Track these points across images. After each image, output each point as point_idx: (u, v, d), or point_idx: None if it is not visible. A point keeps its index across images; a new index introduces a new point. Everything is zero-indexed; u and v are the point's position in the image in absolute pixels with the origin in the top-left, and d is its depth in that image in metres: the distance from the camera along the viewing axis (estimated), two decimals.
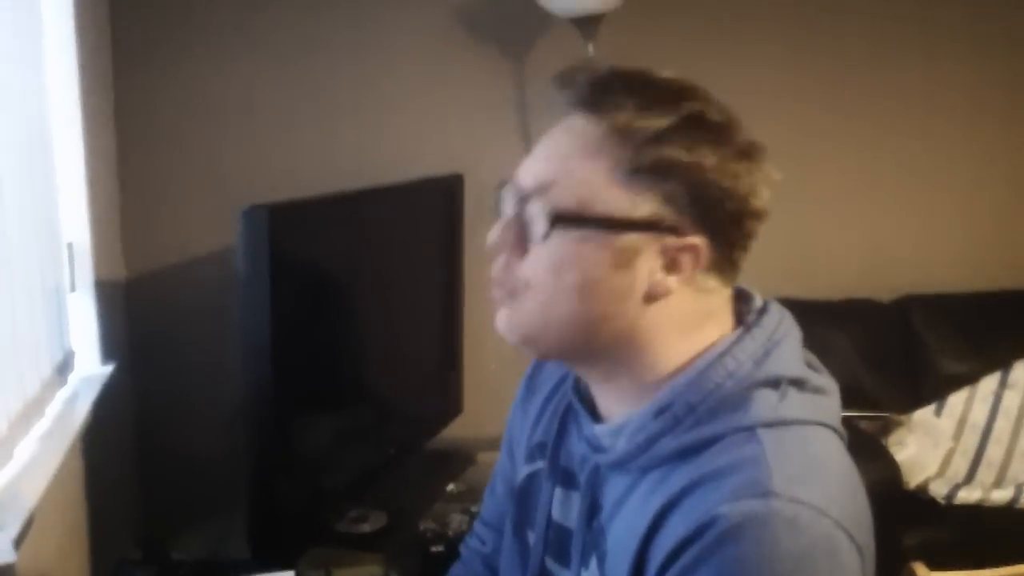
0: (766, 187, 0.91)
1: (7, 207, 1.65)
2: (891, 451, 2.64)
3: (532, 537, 1.06)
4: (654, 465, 0.90)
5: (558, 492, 1.04)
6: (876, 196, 3.11)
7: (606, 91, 0.90)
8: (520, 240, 0.93)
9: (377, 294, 2.29)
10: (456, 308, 2.70)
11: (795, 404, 0.90)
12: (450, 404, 2.72)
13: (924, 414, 2.88)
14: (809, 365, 0.96)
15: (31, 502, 1.43)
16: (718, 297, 0.94)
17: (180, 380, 2.68)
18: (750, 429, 0.87)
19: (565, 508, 1.02)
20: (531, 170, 0.94)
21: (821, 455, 0.88)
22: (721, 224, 0.90)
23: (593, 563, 0.95)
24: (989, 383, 2.90)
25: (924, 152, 3.15)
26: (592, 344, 0.93)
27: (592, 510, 0.97)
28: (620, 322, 0.91)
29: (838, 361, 3.04)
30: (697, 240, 0.89)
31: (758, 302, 0.97)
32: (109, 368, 2.19)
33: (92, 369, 2.19)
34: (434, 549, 2.13)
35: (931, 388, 2.94)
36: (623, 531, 0.91)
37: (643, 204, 0.88)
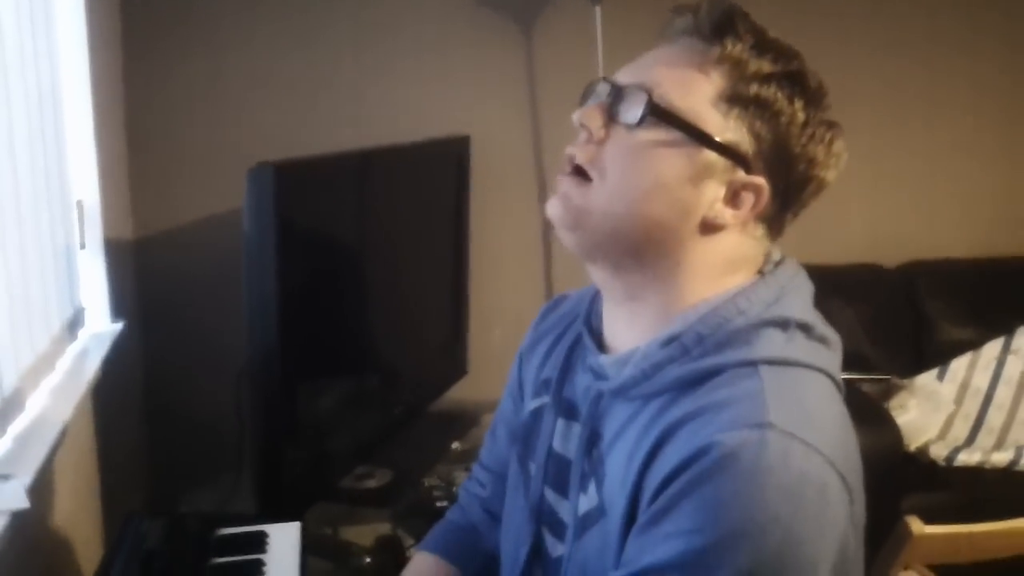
0: (836, 166, 0.96)
1: (18, 165, 1.67)
2: (893, 414, 2.66)
3: (534, 468, 1.09)
4: (656, 393, 0.93)
5: (560, 424, 1.07)
6: (881, 164, 3.10)
7: (728, 25, 0.94)
8: (607, 123, 0.95)
9: (384, 255, 2.30)
10: (462, 269, 2.72)
11: (800, 347, 0.93)
12: (455, 366, 2.75)
13: (926, 379, 2.89)
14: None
15: (44, 452, 1.45)
16: (757, 250, 0.98)
17: (189, 339, 2.70)
18: (753, 364, 0.90)
19: (566, 439, 1.05)
20: (637, 71, 0.97)
21: (818, 398, 0.92)
22: (788, 180, 0.94)
23: (591, 488, 0.98)
24: (992, 349, 2.92)
25: (928, 124, 3.14)
26: (638, 249, 0.95)
27: (592, 439, 1.00)
28: (671, 239, 0.94)
29: (842, 326, 3.04)
30: (763, 182, 0.93)
31: (776, 255, 1.01)
32: (119, 325, 2.22)
33: (102, 326, 2.21)
34: (439, 505, 2.17)
35: (934, 353, 2.96)
36: (622, 457, 0.94)
37: (731, 132, 0.92)
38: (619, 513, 0.92)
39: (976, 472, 2.62)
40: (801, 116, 0.93)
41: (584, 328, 1.07)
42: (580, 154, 0.96)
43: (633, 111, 0.93)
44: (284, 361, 1.88)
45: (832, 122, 0.95)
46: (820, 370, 0.93)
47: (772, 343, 0.92)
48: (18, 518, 1.29)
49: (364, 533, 2.16)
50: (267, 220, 1.80)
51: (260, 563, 1.46)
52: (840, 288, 2.95)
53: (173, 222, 2.72)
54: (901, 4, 3.07)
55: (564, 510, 1.03)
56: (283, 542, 1.53)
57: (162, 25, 2.69)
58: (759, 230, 0.96)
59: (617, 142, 0.94)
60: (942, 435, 2.78)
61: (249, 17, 2.76)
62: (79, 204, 2.15)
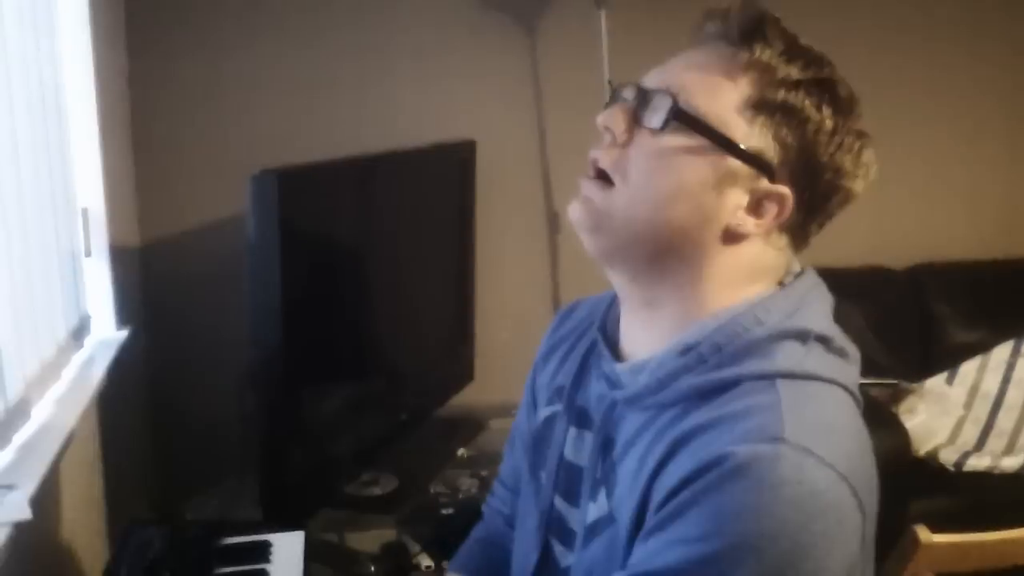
0: (865, 177, 0.95)
1: (23, 172, 1.67)
2: (901, 418, 2.65)
3: (544, 477, 1.08)
4: (671, 402, 0.92)
5: (572, 432, 1.05)
6: (890, 166, 3.07)
7: (758, 30, 0.92)
8: (631, 126, 0.94)
9: (388, 260, 2.30)
10: (468, 275, 2.71)
11: (818, 360, 0.91)
12: (461, 371, 2.74)
13: (936, 382, 2.88)
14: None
15: (47, 462, 1.45)
16: (779, 260, 0.96)
17: (195, 344, 2.70)
18: (770, 377, 0.88)
19: (578, 447, 1.04)
20: (664, 74, 0.95)
21: (835, 413, 0.90)
22: (813, 189, 0.93)
23: (601, 496, 0.97)
24: (1002, 352, 2.90)
25: (935, 125, 3.13)
26: (659, 255, 0.94)
27: (605, 447, 0.99)
28: (692, 246, 0.93)
29: (850, 329, 3.05)
30: (787, 191, 0.92)
31: (796, 267, 1.00)
32: (125, 332, 2.22)
33: (108, 333, 2.21)
34: (444, 512, 2.16)
35: (943, 357, 2.94)
36: (634, 465, 0.92)
37: (756, 139, 0.91)
38: (627, 520, 0.91)
39: (986, 477, 2.60)
40: (829, 124, 0.91)
41: (599, 335, 1.05)
42: (603, 157, 0.95)
43: (657, 115, 0.91)
44: (288, 366, 1.87)
45: (862, 132, 0.93)
46: (839, 384, 0.91)
47: (790, 356, 0.90)
48: (20, 529, 1.29)
49: (369, 539, 2.15)
50: (271, 226, 1.80)
51: (264, 573, 1.46)
52: (848, 291, 2.88)
53: (179, 227, 2.72)
54: (904, 4, 3.05)
55: (574, 519, 1.02)
56: (287, 551, 1.53)
57: (166, 31, 2.69)
58: (782, 240, 0.94)
59: (640, 146, 0.93)
60: (951, 440, 2.76)
61: (253, 21, 2.76)
62: (84, 211, 2.15)
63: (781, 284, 0.97)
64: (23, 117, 1.70)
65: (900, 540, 1.55)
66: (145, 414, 2.69)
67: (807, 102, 0.91)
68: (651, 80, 0.95)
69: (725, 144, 0.90)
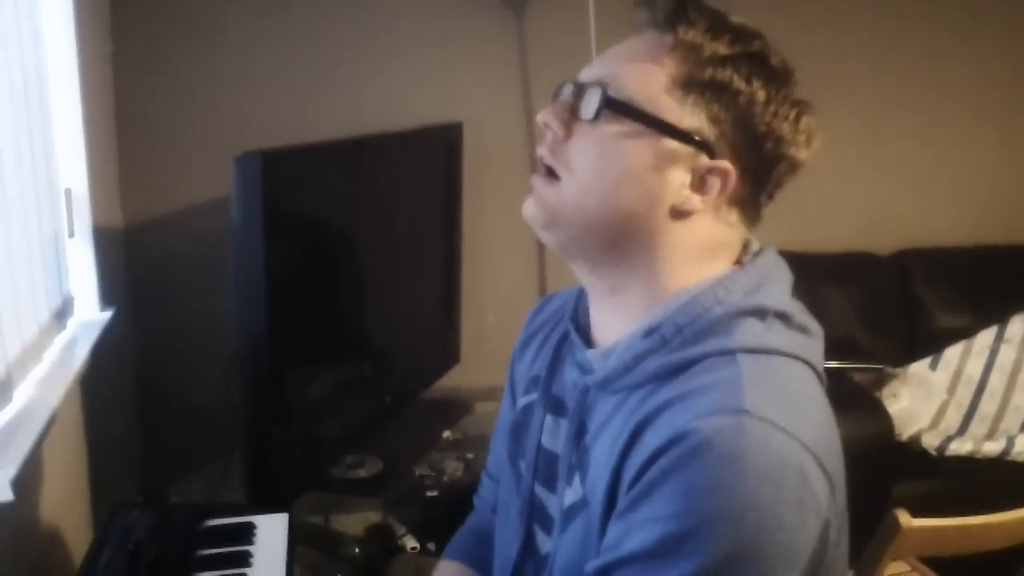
0: (808, 144, 0.96)
1: (4, 153, 1.65)
2: (884, 403, 2.66)
3: (523, 465, 1.09)
4: (639, 384, 0.93)
5: (548, 420, 1.07)
6: (876, 152, 3.10)
7: (681, 12, 0.94)
8: (569, 122, 0.96)
9: (375, 243, 2.29)
10: (454, 257, 2.71)
11: (779, 336, 0.93)
12: (447, 354, 2.74)
13: (919, 367, 2.89)
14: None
15: (29, 443, 1.44)
16: (733, 235, 0.98)
17: (180, 326, 2.69)
18: (731, 353, 0.90)
19: (554, 435, 1.06)
20: (598, 67, 0.98)
21: (797, 387, 0.91)
22: (756, 161, 0.94)
23: (576, 480, 0.99)
24: (985, 337, 2.91)
25: (923, 111, 3.13)
26: (613, 242, 0.96)
27: (579, 432, 1.00)
28: (644, 228, 0.95)
29: (835, 314, 3.08)
30: (728, 166, 0.93)
31: (755, 246, 1.01)
32: (108, 314, 2.20)
33: (91, 315, 2.20)
34: (429, 494, 2.16)
35: (927, 342, 2.96)
36: (605, 448, 0.94)
37: (689, 118, 0.92)
38: (599, 502, 0.92)
39: (968, 461, 2.62)
40: (761, 95, 0.92)
41: (571, 324, 1.07)
42: (547, 153, 0.98)
43: (590, 106, 0.94)
44: (273, 349, 1.87)
45: (799, 100, 0.95)
46: (800, 359, 0.93)
47: (751, 332, 0.92)
48: (2, 510, 1.29)
49: (355, 522, 2.16)
50: (255, 209, 1.79)
51: (247, 554, 1.46)
52: (834, 275, 2.95)
53: (163, 209, 2.71)
54: None
55: (552, 505, 1.04)
56: (271, 533, 1.53)
57: (151, 12, 2.66)
58: (733, 214, 0.96)
59: (581, 138, 0.96)
60: (934, 424, 2.78)
61: (239, 4, 2.73)
62: (67, 192, 2.14)
63: (740, 263, 0.98)
64: (5, 98, 1.68)
65: (881, 524, 1.56)
66: (131, 396, 2.68)
67: (735, 76, 0.92)
68: (586, 74, 0.98)
69: (658, 125, 0.92)
